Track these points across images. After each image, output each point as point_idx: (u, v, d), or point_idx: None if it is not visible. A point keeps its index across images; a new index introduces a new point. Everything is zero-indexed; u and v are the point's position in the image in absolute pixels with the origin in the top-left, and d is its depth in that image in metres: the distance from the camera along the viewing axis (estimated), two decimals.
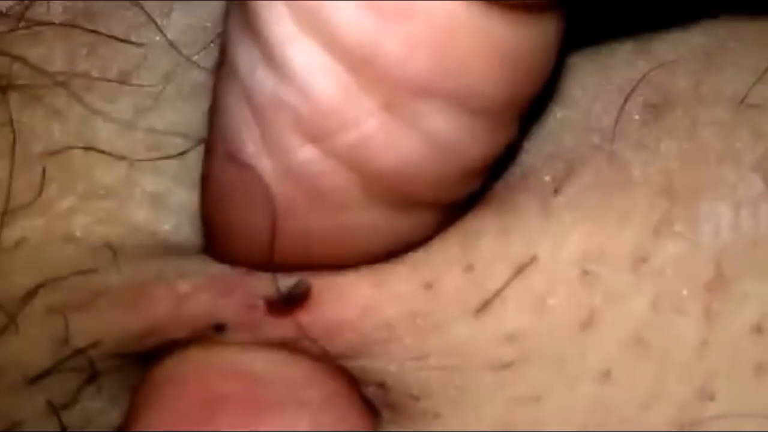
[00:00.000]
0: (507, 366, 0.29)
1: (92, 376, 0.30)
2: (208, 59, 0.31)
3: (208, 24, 0.31)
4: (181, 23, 0.31)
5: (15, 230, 0.30)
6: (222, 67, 0.28)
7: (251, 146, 0.27)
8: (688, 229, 0.30)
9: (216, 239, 0.30)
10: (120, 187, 0.31)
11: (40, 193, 0.30)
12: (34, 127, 0.31)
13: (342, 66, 0.26)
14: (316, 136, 0.26)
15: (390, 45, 0.26)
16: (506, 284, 0.29)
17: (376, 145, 0.27)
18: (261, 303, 0.29)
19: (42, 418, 0.30)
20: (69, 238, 0.31)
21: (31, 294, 0.30)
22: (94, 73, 0.31)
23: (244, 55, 0.27)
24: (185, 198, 0.31)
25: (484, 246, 0.30)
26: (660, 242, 0.30)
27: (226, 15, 0.28)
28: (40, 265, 0.30)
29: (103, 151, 0.31)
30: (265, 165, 0.27)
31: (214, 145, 0.28)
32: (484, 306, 0.29)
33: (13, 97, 0.30)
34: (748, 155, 0.30)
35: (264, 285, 0.29)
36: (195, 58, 0.31)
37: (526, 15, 0.26)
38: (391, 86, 0.26)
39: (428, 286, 0.30)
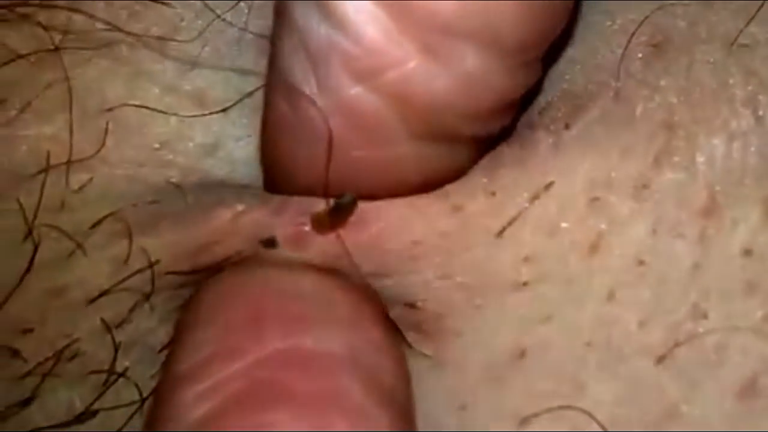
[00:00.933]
0: (524, 285, 0.32)
1: (148, 296, 0.32)
2: (238, 17, 0.33)
3: None
4: None
5: (80, 175, 0.33)
6: (280, 21, 0.30)
7: (307, 88, 0.30)
8: (685, 160, 0.32)
9: (275, 173, 0.32)
10: (173, 140, 0.33)
11: (102, 145, 0.33)
12: (88, 85, 0.33)
13: (383, 12, 0.29)
14: (363, 75, 0.29)
15: None
16: (524, 209, 0.32)
17: (414, 83, 0.29)
18: (308, 221, 0.32)
19: (98, 335, 0.32)
20: (132, 178, 0.33)
21: (98, 222, 0.32)
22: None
23: (301, 8, 0.29)
24: (233, 149, 0.34)
25: (505, 175, 0.32)
26: (660, 172, 0.32)
27: None
28: (106, 200, 0.33)
29: (154, 109, 0.33)
30: (319, 104, 0.30)
31: (275, 89, 0.31)
32: (505, 228, 0.32)
33: (65, 58, 0.32)
34: (739, 92, 0.32)
35: (314, 205, 0.32)
36: (227, 17, 0.33)
37: None
38: (425, 29, 0.29)
39: (456, 209, 0.32)
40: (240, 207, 0.32)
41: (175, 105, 0.33)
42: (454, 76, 0.29)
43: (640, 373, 0.31)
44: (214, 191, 0.33)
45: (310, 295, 0.31)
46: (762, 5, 0.32)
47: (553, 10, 0.30)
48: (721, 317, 0.31)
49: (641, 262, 0.31)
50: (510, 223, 0.32)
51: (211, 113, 0.33)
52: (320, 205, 0.32)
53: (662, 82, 0.32)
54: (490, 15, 0.29)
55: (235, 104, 0.33)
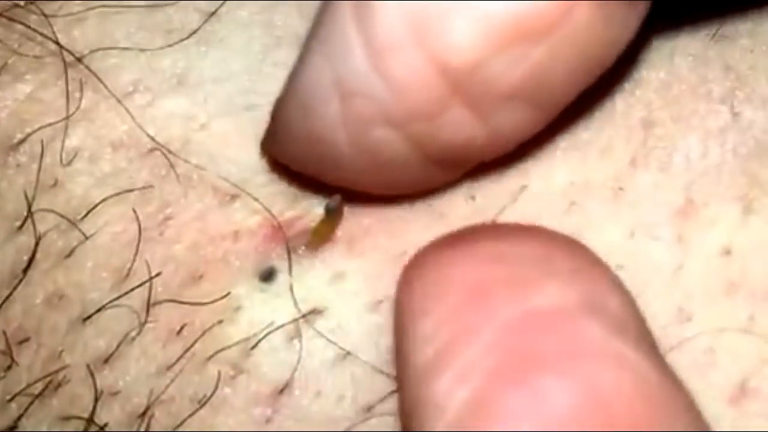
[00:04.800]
0: None
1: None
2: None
3: None
4: None
5: (72, 140, 0.32)
6: (314, 39, 0.29)
7: (329, 120, 0.29)
8: (662, 159, 0.32)
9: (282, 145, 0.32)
10: (145, 78, 0.33)
11: (78, 106, 0.32)
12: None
13: (442, 80, 0.28)
14: (395, 122, 0.29)
15: (497, 65, 0.27)
16: (502, 210, 0.32)
17: (446, 131, 0.29)
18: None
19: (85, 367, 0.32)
20: (119, 144, 0.32)
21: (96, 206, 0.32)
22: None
23: (343, 41, 0.28)
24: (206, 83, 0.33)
25: (485, 178, 0.32)
26: (636, 172, 0.32)
27: None
28: (99, 177, 0.32)
29: (125, 48, 0.32)
30: (340, 136, 0.29)
31: (292, 99, 0.30)
32: None
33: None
34: (717, 88, 0.32)
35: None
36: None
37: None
38: (483, 95, 0.28)
39: (441, 216, 0.32)
40: (245, 223, 0.33)
41: (145, 41, 0.33)
42: (489, 129, 0.29)
43: None
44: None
45: (523, 256, 0.31)
46: None
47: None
48: (707, 319, 0.31)
49: (620, 267, 0.31)
50: None
51: (180, 41, 0.33)
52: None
53: (643, 74, 0.32)
54: (552, 83, 0.29)
55: (198, 29, 0.33)
